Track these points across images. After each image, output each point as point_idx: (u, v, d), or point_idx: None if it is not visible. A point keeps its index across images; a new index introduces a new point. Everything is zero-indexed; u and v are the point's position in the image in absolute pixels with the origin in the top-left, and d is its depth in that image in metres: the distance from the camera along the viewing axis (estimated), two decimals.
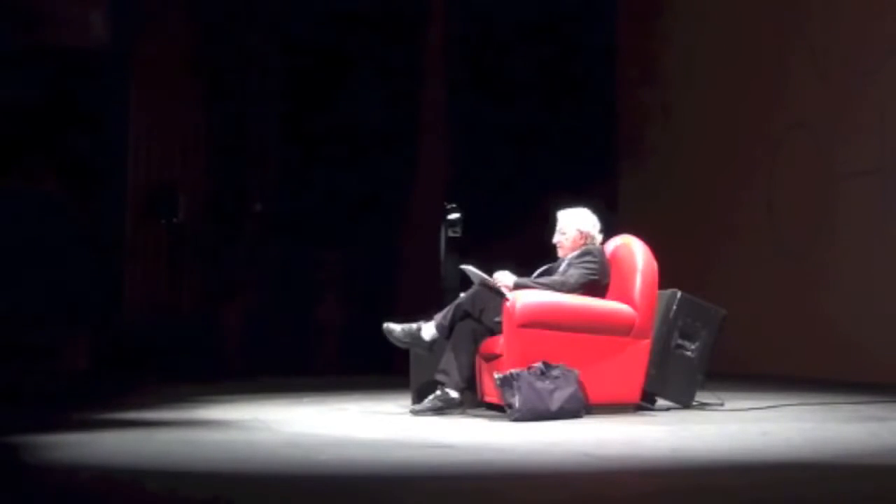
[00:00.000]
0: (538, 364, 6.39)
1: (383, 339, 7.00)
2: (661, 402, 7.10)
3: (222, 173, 11.68)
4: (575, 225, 7.13)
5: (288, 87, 12.07)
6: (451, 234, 7.96)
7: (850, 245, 9.90)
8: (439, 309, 6.99)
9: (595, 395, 6.59)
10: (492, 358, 6.77)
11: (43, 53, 10.98)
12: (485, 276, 6.89)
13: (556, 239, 7.18)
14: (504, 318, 6.67)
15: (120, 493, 4.37)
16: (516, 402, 6.28)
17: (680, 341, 7.20)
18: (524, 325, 6.61)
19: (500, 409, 6.54)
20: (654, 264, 6.94)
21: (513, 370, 6.36)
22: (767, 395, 7.77)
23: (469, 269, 6.95)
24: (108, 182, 11.27)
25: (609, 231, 7.26)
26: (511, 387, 6.31)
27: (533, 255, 7.37)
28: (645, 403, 6.92)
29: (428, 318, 6.96)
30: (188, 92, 11.55)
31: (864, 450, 5.33)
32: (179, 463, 5.04)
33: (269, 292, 11.75)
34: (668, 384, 7.13)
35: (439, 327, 6.89)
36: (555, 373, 6.37)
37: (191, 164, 11.54)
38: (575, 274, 6.92)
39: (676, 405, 7.12)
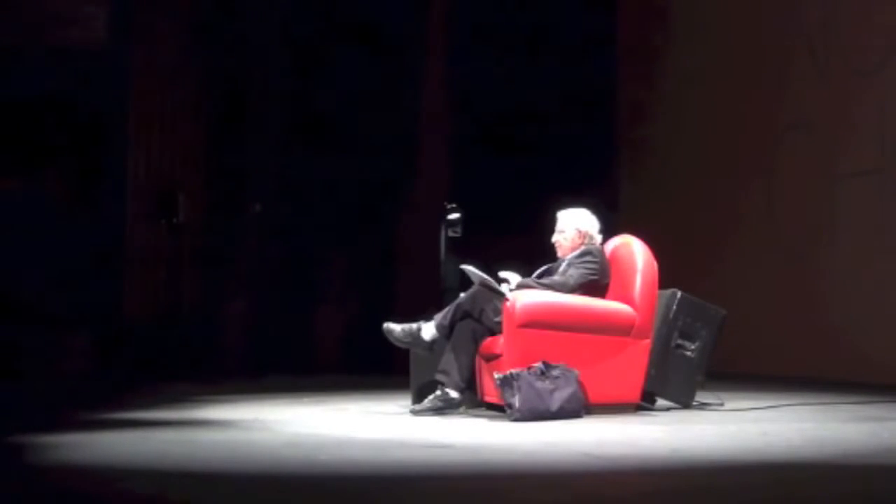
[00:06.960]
0: (538, 364, 6.39)
1: (383, 339, 7.00)
2: (661, 402, 7.10)
3: (222, 174, 11.68)
4: (574, 224, 7.13)
5: (288, 87, 12.07)
6: (451, 234, 7.96)
7: (850, 245, 9.89)
8: (439, 309, 6.99)
9: (595, 395, 6.59)
10: (492, 358, 6.77)
11: (43, 53, 10.98)
12: (485, 276, 6.88)
13: (555, 238, 7.18)
14: (504, 318, 6.67)
15: (119, 493, 4.36)
16: (516, 402, 6.28)
17: (680, 341, 7.20)
18: (524, 325, 6.61)
19: (500, 409, 6.54)
20: (654, 264, 6.94)
21: (513, 370, 6.36)
22: (767, 395, 7.77)
23: (469, 269, 6.94)
24: (108, 182, 11.27)
25: (609, 231, 7.26)
26: (511, 387, 6.31)
27: (533, 255, 7.37)
28: (645, 403, 6.92)
29: (428, 318, 6.96)
30: (188, 92, 11.55)
31: (864, 450, 5.33)
32: (179, 463, 5.03)
33: (270, 292, 11.74)
34: (668, 384, 7.13)
35: (439, 327, 6.89)
36: (555, 373, 6.37)
37: (191, 165, 11.53)
38: (575, 274, 6.92)
39: (676, 405, 7.12)
